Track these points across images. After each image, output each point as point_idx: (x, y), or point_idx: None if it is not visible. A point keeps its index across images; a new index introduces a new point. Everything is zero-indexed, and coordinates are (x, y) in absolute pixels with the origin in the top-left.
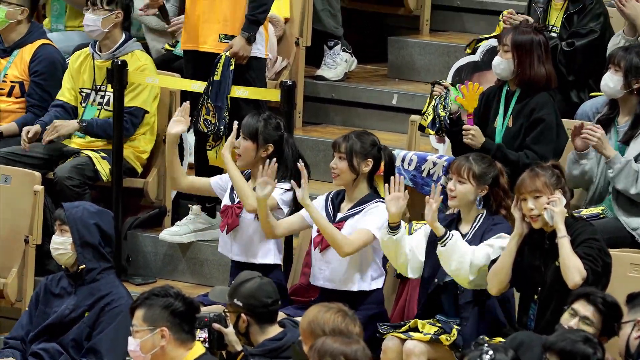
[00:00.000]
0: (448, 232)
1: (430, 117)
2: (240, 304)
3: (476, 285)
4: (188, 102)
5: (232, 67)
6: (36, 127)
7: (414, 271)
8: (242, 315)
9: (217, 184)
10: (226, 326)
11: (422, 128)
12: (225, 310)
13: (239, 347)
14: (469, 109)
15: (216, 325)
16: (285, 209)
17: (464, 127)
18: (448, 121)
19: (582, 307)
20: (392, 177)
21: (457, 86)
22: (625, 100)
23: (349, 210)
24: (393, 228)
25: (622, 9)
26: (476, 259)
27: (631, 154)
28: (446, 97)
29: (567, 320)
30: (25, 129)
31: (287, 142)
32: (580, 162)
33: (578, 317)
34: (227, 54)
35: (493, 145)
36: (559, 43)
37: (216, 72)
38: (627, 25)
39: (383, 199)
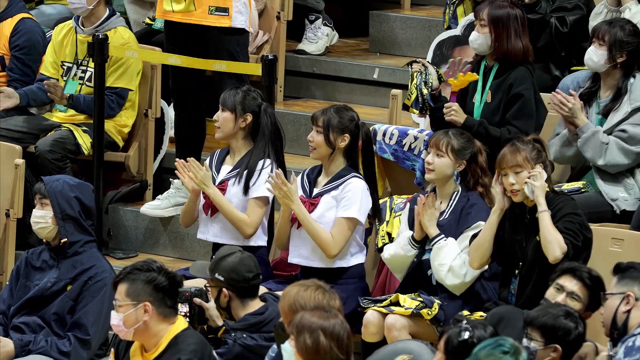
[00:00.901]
0: (442, 236)
1: (413, 96)
2: (222, 279)
3: (457, 290)
4: (181, 161)
5: None
6: (11, 91)
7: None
8: (224, 289)
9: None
10: (207, 301)
11: (406, 107)
12: (207, 285)
13: (220, 322)
14: (453, 88)
15: (197, 300)
16: (270, 195)
17: (445, 104)
18: (431, 98)
19: (569, 283)
20: (425, 197)
21: (449, 66)
22: (608, 74)
23: (325, 185)
24: (418, 242)
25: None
26: (459, 265)
27: (609, 123)
28: (426, 74)
29: (553, 296)
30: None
31: (266, 112)
32: (574, 143)
33: (565, 292)
34: None
35: (475, 122)
36: (551, 19)
37: None
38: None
39: (359, 173)
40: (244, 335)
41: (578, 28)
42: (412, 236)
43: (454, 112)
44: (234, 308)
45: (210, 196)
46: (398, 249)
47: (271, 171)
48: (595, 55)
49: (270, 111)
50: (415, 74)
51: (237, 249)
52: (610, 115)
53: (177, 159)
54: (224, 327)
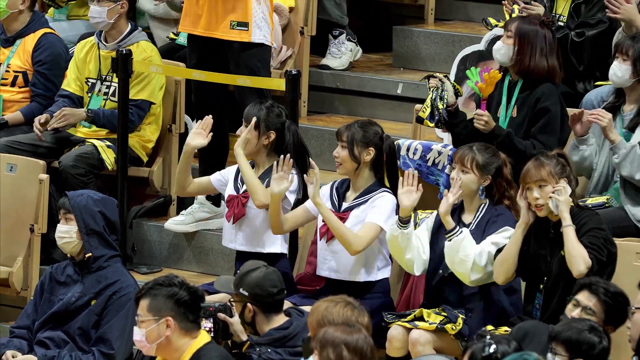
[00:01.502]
0: (458, 228)
1: (428, 110)
2: (246, 294)
3: (477, 284)
4: (210, 116)
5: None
6: (46, 115)
7: (419, 268)
8: (248, 304)
9: (217, 180)
10: (231, 316)
11: (420, 120)
12: (231, 299)
13: (244, 337)
14: (484, 95)
15: (221, 315)
16: (292, 197)
17: (476, 111)
18: (446, 113)
19: (585, 298)
20: (406, 171)
21: (475, 71)
22: (633, 88)
23: (354, 200)
24: (404, 222)
25: (615, 14)
26: (482, 260)
27: (636, 139)
28: (442, 90)
29: (571, 311)
30: (36, 118)
31: (289, 129)
32: (580, 147)
33: (580, 307)
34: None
35: (503, 131)
36: (569, 33)
37: None
38: (625, 25)
39: (388, 188)
40: (269, 350)
41: (600, 42)
42: (399, 214)
43: (485, 122)
44: (258, 323)
45: (321, 211)
46: (389, 229)
47: (297, 178)
48: (620, 70)
49: (294, 129)
50: (431, 89)
51: (262, 263)
52: (637, 130)
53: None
54: (249, 342)
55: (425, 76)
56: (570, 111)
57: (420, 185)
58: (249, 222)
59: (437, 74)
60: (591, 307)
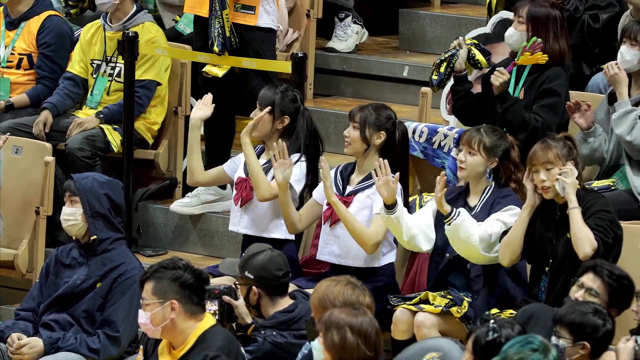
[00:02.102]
0: (454, 210)
1: (435, 74)
2: (252, 277)
3: (490, 261)
4: (210, 94)
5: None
6: (45, 116)
7: (425, 244)
8: (253, 287)
9: (230, 167)
10: (236, 298)
11: (432, 83)
12: (236, 282)
13: (249, 320)
14: (519, 60)
15: (226, 298)
16: (298, 187)
17: (499, 68)
18: (447, 76)
19: (589, 280)
20: (377, 162)
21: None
22: (639, 74)
23: (358, 183)
24: (390, 207)
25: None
26: (490, 235)
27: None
28: (454, 54)
29: (575, 292)
30: (36, 126)
31: (303, 115)
32: (589, 140)
33: (584, 289)
34: None
35: (512, 97)
36: (583, 16)
37: None
38: (634, 8)
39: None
40: (274, 333)
41: (611, 26)
42: (384, 202)
43: (502, 80)
44: (263, 306)
45: (334, 205)
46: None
47: (304, 165)
48: (628, 55)
49: (308, 114)
50: (451, 49)
51: (267, 246)
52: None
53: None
54: (254, 325)
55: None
56: (578, 95)
57: (398, 174)
58: (255, 207)
59: (462, 40)
60: (595, 289)
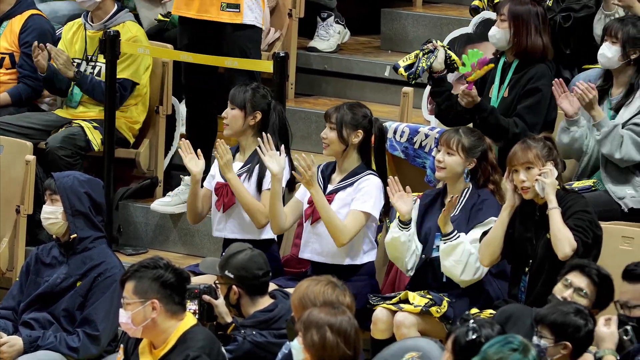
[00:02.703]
0: (455, 233)
1: (409, 62)
2: (232, 276)
3: (468, 284)
4: (184, 140)
5: None
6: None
7: (414, 268)
8: (233, 287)
9: (209, 184)
10: (216, 298)
11: (396, 68)
12: (216, 281)
13: (229, 319)
14: (468, 79)
15: (206, 297)
16: (284, 179)
17: (462, 89)
18: (423, 72)
19: (577, 279)
20: (389, 179)
21: (475, 55)
22: (621, 71)
23: (339, 182)
24: (405, 224)
25: (617, 4)
26: (473, 263)
27: (620, 119)
28: (433, 54)
29: (561, 291)
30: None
31: (275, 109)
32: (570, 129)
33: (572, 288)
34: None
35: (488, 107)
36: (557, 17)
37: None
38: (604, 3)
39: (374, 170)
40: (254, 332)
41: (583, 27)
42: (399, 218)
43: (469, 100)
44: (243, 305)
45: (230, 181)
46: (389, 232)
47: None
48: (609, 52)
49: (279, 108)
50: (423, 49)
51: (247, 246)
52: (622, 111)
53: (181, 140)
54: (234, 324)
55: (425, 41)
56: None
57: (409, 187)
58: (239, 210)
59: (436, 42)
60: (584, 289)
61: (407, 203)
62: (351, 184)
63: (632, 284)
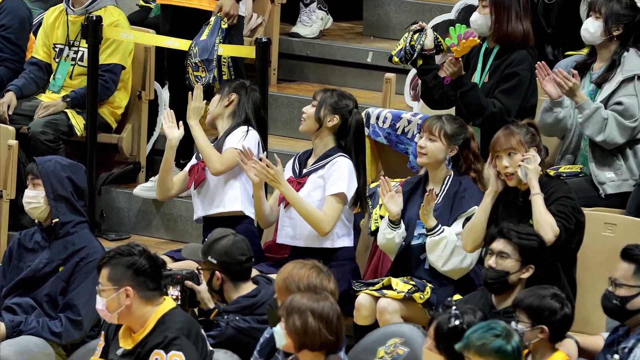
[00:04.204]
0: (439, 227)
1: (399, 47)
2: (215, 262)
3: (456, 274)
4: (169, 108)
5: (224, 26)
6: (10, 98)
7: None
8: (217, 272)
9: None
10: (199, 283)
11: (390, 58)
12: (199, 267)
13: (211, 305)
14: (456, 55)
15: (188, 283)
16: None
17: (449, 59)
18: (415, 51)
19: (496, 244)
20: (380, 179)
21: (459, 29)
22: (604, 46)
23: (312, 164)
24: (395, 223)
25: None
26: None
27: (603, 94)
28: (420, 32)
29: (487, 260)
30: (1, 104)
31: (247, 89)
32: (554, 110)
33: (495, 254)
34: (219, 14)
35: (469, 83)
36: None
37: (204, 33)
38: None
39: (345, 154)
40: (237, 318)
41: (569, 6)
42: (389, 218)
43: (456, 67)
44: (226, 291)
45: (285, 194)
46: (381, 234)
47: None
48: (592, 27)
49: (251, 88)
50: (410, 31)
51: (230, 231)
52: (605, 87)
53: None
54: (216, 310)
55: (411, 23)
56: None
57: (400, 187)
58: (209, 185)
59: (422, 23)
60: (504, 251)
61: (397, 204)
62: (322, 166)
63: (624, 262)
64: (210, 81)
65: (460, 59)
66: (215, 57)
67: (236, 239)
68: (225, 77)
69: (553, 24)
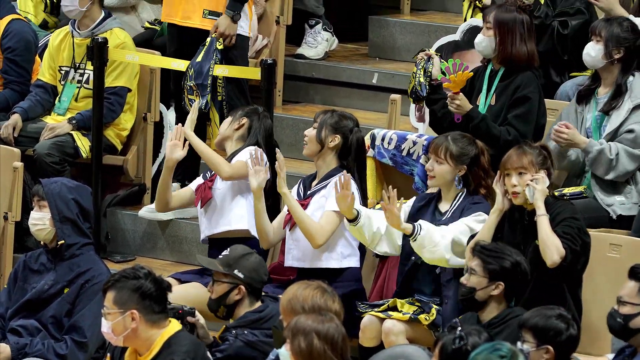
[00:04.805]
0: (415, 227)
1: (411, 85)
2: (242, 276)
3: (457, 265)
4: (180, 125)
5: (220, 47)
6: (15, 120)
7: (389, 248)
8: (241, 286)
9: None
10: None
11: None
12: (214, 278)
13: (210, 340)
14: (454, 91)
15: (191, 318)
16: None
17: (449, 95)
18: (426, 87)
19: (470, 260)
20: (339, 177)
21: (444, 66)
22: (606, 70)
23: (315, 185)
24: (352, 221)
25: (596, 3)
26: (456, 237)
27: (612, 123)
28: (427, 62)
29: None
30: (5, 128)
31: (259, 115)
32: (566, 155)
33: (468, 271)
34: (214, 35)
35: (478, 115)
36: (554, 22)
37: (200, 54)
38: (605, 15)
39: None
40: (245, 332)
41: (580, 33)
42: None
43: (457, 105)
44: (240, 306)
45: (285, 199)
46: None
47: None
48: (593, 51)
49: (264, 115)
50: (417, 62)
51: (252, 250)
52: (614, 116)
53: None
54: (224, 326)
55: (418, 51)
56: (548, 103)
57: (354, 183)
58: (216, 204)
59: (428, 50)
60: (472, 267)
61: (347, 204)
62: (325, 186)
63: (631, 281)
64: (203, 107)
65: (459, 92)
66: (209, 82)
67: (260, 258)
68: (220, 98)
69: (568, 51)
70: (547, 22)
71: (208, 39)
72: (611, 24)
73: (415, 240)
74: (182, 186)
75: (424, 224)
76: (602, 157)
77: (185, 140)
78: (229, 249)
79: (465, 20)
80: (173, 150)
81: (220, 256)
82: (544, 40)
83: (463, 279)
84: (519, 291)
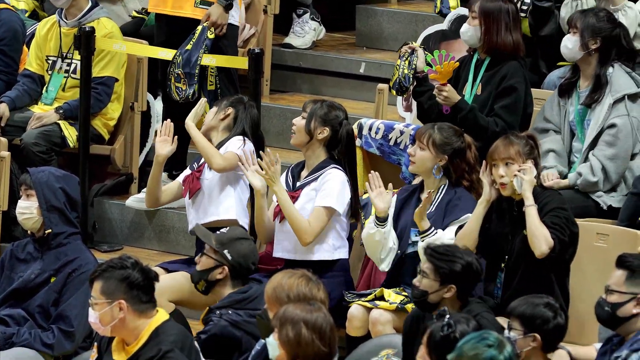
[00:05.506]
0: (432, 229)
1: (394, 78)
2: (229, 258)
3: None
4: (169, 120)
5: (211, 36)
6: (2, 110)
7: (387, 265)
8: (225, 267)
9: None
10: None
11: (390, 89)
12: (205, 251)
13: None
14: (442, 81)
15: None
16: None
17: (437, 86)
18: (410, 79)
19: (423, 262)
20: (370, 174)
21: (429, 58)
22: (585, 62)
23: (305, 177)
24: (381, 221)
25: None
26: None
27: (595, 118)
28: (411, 55)
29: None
30: None
31: (244, 104)
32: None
33: (420, 272)
34: (206, 24)
35: (467, 106)
36: (553, 8)
37: (190, 42)
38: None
39: (337, 165)
40: (229, 312)
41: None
42: (376, 214)
43: (444, 97)
44: (221, 286)
45: (277, 195)
46: (365, 229)
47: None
48: (570, 42)
49: (249, 104)
50: (401, 55)
51: (250, 236)
52: (597, 110)
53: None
54: (207, 308)
55: (402, 44)
56: (536, 92)
57: (391, 184)
58: (204, 194)
59: (412, 43)
60: (424, 269)
61: (384, 200)
62: (315, 179)
63: (618, 269)
64: (190, 96)
65: (446, 84)
66: (197, 71)
67: (254, 246)
68: (211, 88)
69: (537, 32)
70: (552, 9)
71: (199, 27)
72: (587, 14)
73: (423, 240)
74: (169, 175)
75: (439, 232)
76: (589, 184)
77: (174, 135)
78: (229, 227)
79: (438, 9)
80: (163, 146)
81: (218, 232)
82: (549, 25)
83: (415, 281)
84: (541, 285)
